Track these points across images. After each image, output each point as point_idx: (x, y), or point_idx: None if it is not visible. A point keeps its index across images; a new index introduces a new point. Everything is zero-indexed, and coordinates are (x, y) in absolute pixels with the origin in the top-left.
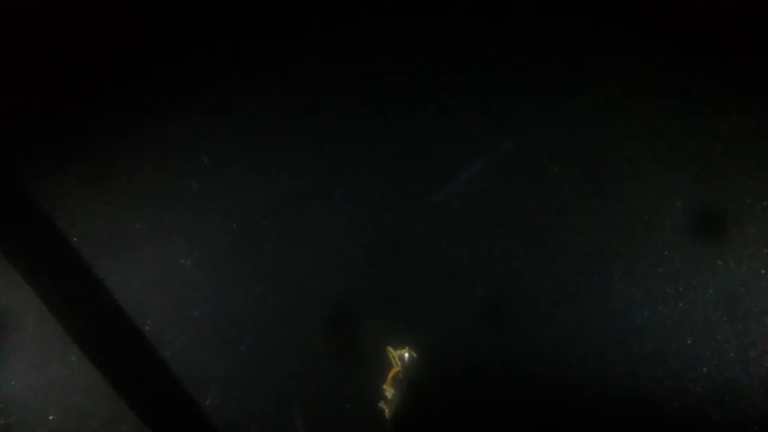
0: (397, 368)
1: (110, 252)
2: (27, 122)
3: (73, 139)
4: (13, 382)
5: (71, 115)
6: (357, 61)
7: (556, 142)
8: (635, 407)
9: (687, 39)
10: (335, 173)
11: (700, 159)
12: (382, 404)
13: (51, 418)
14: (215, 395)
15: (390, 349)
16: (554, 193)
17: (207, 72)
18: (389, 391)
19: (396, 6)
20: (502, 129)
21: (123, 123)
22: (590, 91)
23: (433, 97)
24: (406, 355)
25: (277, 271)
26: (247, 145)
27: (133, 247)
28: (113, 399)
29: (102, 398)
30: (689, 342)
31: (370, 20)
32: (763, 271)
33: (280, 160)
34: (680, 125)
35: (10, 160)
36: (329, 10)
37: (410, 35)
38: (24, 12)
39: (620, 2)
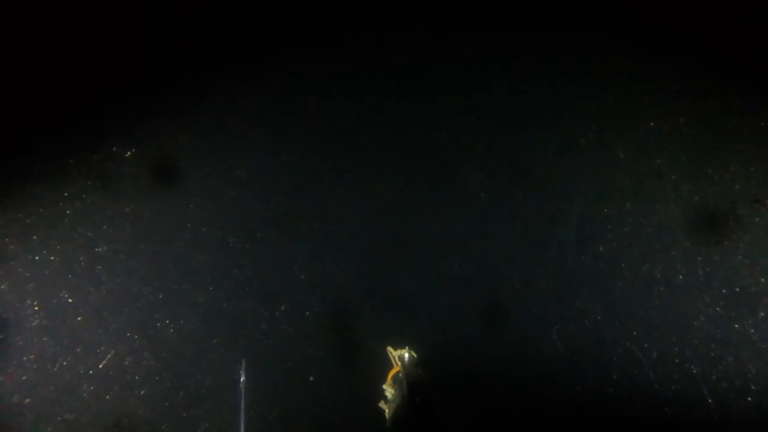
0: (397, 368)
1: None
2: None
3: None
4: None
5: (71, 115)
6: (356, 61)
7: (556, 141)
8: (636, 407)
9: (688, 38)
10: (335, 172)
11: (702, 150)
12: (382, 404)
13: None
14: (215, 397)
15: (390, 349)
16: (553, 193)
17: (205, 72)
18: (389, 391)
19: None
20: (501, 128)
21: (122, 123)
22: (590, 90)
23: (435, 96)
24: (406, 355)
25: (277, 270)
26: (246, 144)
27: (133, 246)
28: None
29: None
30: (690, 334)
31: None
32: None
33: (280, 158)
34: (681, 120)
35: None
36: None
37: (409, 35)
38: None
39: (621, 1)
